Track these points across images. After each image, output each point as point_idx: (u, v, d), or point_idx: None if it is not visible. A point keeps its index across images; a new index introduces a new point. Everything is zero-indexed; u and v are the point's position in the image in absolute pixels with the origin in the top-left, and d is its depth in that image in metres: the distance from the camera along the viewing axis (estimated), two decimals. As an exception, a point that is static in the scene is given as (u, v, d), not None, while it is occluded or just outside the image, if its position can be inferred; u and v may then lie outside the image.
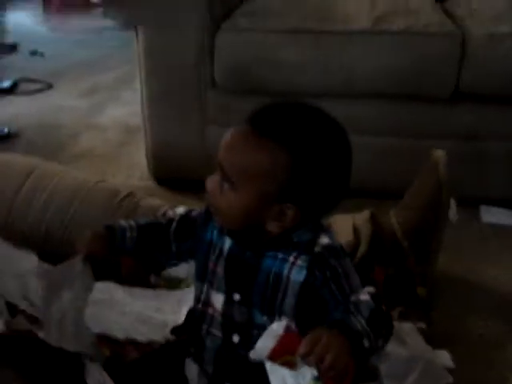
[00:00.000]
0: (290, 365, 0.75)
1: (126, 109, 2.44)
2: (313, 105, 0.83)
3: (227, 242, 0.87)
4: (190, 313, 0.96)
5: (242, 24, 1.54)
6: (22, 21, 4.05)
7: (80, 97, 2.61)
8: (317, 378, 0.73)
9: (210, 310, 0.89)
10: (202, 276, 0.90)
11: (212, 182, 0.81)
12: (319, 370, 0.71)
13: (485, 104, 1.54)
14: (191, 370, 0.91)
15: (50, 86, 2.63)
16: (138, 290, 1.07)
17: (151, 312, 1.03)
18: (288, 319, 0.83)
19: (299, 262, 0.82)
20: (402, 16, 1.51)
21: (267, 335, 0.79)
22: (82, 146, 2.09)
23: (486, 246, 1.49)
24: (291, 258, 0.83)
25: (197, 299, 0.91)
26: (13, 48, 3.18)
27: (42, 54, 3.20)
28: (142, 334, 0.98)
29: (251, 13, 1.59)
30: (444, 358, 1.06)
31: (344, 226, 1.26)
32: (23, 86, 2.66)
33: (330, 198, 0.82)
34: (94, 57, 3.30)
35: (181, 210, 1.10)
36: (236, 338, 0.86)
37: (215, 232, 0.88)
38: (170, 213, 1.17)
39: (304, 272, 0.81)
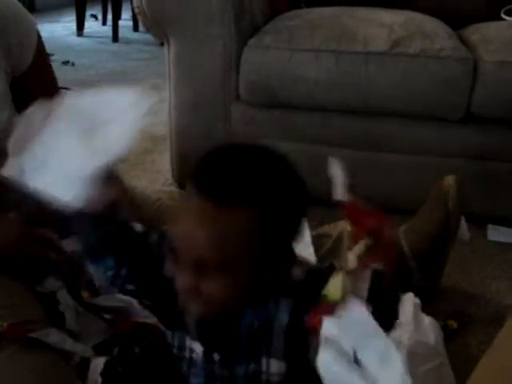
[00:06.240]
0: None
1: (150, 118, 2.53)
2: (246, 145, 0.75)
3: None
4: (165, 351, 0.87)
5: (268, 42, 1.60)
6: (57, 32, 4.21)
7: (108, 105, 2.72)
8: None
9: (188, 354, 0.82)
10: (172, 324, 0.82)
11: (184, 277, 0.69)
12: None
13: (494, 126, 1.58)
14: None
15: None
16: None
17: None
18: (277, 360, 0.77)
19: (281, 305, 0.75)
20: (418, 40, 1.55)
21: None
22: (109, 151, 2.19)
23: (491, 263, 1.53)
24: (271, 305, 0.75)
25: (171, 344, 0.83)
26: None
27: (72, 64, 3.33)
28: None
29: (276, 31, 1.65)
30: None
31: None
32: (55, 93, 2.79)
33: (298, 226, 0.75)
34: (122, 68, 3.42)
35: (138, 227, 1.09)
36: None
37: None
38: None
39: (287, 314, 0.74)
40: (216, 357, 0.79)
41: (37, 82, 1.19)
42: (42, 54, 1.20)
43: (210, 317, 0.75)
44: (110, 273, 0.81)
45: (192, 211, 0.69)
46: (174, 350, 0.83)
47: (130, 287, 0.82)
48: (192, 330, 0.79)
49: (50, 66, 1.26)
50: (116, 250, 0.80)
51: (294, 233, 0.74)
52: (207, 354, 0.80)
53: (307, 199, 0.74)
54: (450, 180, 1.29)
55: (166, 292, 0.78)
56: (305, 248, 1.23)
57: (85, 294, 1.05)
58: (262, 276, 0.71)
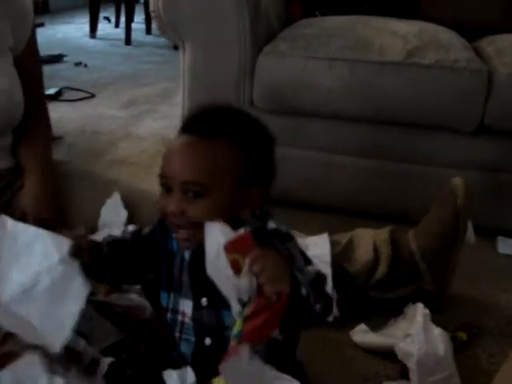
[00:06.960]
0: (236, 267, 0.73)
1: (162, 122, 2.55)
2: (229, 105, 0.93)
3: (187, 251, 0.89)
4: (161, 321, 0.96)
5: (283, 49, 1.61)
6: (70, 33, 4.23)
7: (120, 108, 2.72)
8: (243, 318, 0.72)
9: (180, 317, 0.91)
10: (168, 286, 0.92)
11: (173, 202, 0.81)
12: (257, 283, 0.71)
13: (507, 138, 1.58)
14: (171, 377, 0.89)
15: (92, 96, 2.75)
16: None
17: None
18: None
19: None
20: (433, 50, 1.55)
21: (227, 231, 0.77)
22: (120, 153, 2.19)
23: (502, 274, 1.52)
24: None
25: (165, 309, 0.93)
26: (59, 58, 3.33)
27: (85, 65, 3.35)
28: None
29: (291, 39, 1.65)
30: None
31: (364, 242, 1.31)
32: (67, 94, 2.79)
33: (272, 170, 0.88)
34: (134, 71, 3.43)
35: (131, 228, 1.11)
36: (208, 341, 0.89)
37: (174, 242, 0.91)
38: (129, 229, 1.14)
39: None
40: (204, 302, 0.88)
41: (26, 71, 1.21)
42: (34, 42, 1.23)
43: (195, 246, 0.84)
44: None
45: (180, 145, 0.83)
46: (169, 315, 0.92)
47: (150, 276, 0.98)
48: (185, 280, 0.89)
49: (38, 60, 1.28)
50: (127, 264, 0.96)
51: (269, 171, 0.88)
52: (196, 301, 0.88)
53: (274, 142, 0.89)
54: (457, 180, 1.31)
55: (165, 261, 0.92)
56: (322, 245, 1.24)
57: (103, 289, 1.06)
58: (241, 207, 0.84)
